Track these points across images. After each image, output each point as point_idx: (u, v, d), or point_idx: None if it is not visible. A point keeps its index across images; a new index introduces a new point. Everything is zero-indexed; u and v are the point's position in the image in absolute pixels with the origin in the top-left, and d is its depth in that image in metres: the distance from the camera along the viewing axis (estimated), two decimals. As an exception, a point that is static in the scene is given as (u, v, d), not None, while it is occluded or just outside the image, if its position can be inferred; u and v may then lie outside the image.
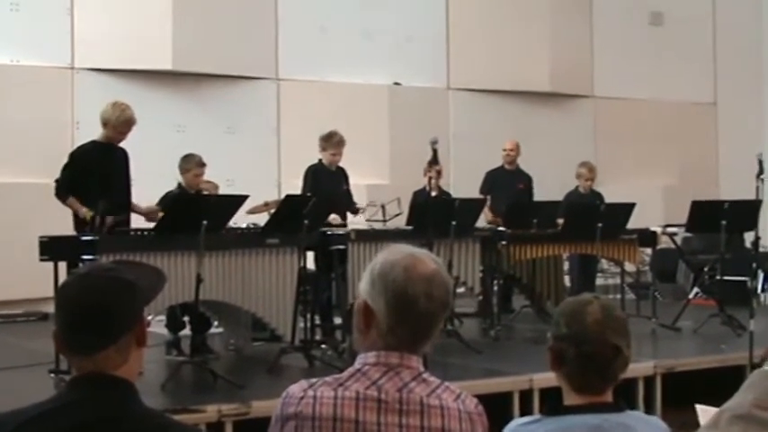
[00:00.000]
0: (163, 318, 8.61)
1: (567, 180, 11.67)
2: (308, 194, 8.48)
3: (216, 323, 9.05)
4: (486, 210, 10.53)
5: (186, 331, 8.53)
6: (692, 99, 16.00)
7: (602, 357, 2.75)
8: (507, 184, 11.58)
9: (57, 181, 7.84)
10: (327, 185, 9.46)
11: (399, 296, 2.56)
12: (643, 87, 15.36)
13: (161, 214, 7.92)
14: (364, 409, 2.51)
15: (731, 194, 11.43)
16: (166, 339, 8.56)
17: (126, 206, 8.04)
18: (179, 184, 8.89)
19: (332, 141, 9.63)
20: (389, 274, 2.58)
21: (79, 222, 7.61)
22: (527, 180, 11.81)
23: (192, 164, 8.87)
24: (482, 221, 10.40)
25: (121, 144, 8.10)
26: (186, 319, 8.46)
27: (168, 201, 8.45)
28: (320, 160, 9.73)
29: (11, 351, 9.17)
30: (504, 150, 11.74)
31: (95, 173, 7.78)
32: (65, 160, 7.99)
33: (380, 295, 2.59)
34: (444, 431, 2.52)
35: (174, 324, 8.55)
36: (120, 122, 7.87)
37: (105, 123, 7.91)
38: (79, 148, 8.23)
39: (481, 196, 11.29)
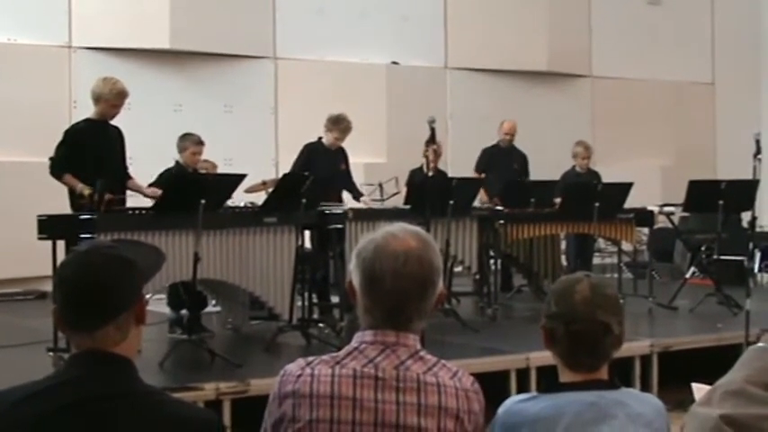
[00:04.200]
0: (164, 296, 8.63)
1: (565, 159, 11.65)
2: (306, 173, 8.46)
3: (213, 302, 9.05)
4: (481, 190, 10.43)
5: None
6: (690, 79, 15.99)
7: (591, 335, 2.76)
8: (503, 163, 11.53)
9: (51, 159, 7.73)
10: (324, 165, 9.43)
11: (368, 274, 2.57)
12: (641, 67, 15.34)
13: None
14: (361, 386, 2.52)
15: (728, 174, 11.44)
16: (168, 317, 8.58)
17: (122, 184, 8.01)
18: (177, 162, 8.88)
19: (340, 126, 9.60)
20: (362, 254, 2.60)
21: (76, 200, 7.55)
22: (522, 159, 11.75)
23: (189, 142, 8.85)
24: (476, 201, 10.33)
25: (117, 121, 8.01)
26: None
27: (165, 179, 8.45)
28: (320, 139, 9.71)
29: (9, 329, 9.18)
30: (504, 134, 11.67)
31: (90, 150, 7.69)
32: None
33: (356, 274, 2.61)
34: (441, 408, 2.53)
35: (175, 302, 8.56)
36: (113, 95, 7.77)
37: (98, 99, 7.81)
38: (73, 125, 8.13)
39: (476, 175, 11.29)
